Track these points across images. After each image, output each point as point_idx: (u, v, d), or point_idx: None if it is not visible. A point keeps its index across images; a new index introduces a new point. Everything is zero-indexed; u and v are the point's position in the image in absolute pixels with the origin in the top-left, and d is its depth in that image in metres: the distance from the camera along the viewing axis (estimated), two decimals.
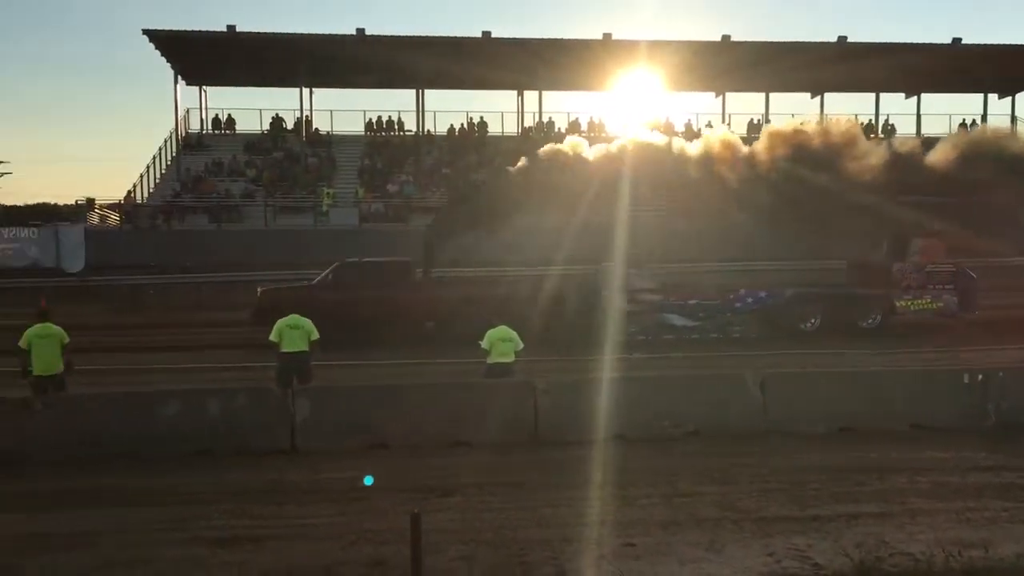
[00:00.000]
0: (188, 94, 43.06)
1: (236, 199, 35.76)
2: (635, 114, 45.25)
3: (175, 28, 36.19)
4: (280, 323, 12.75)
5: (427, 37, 37.14)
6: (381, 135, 41.56)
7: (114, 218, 36.67)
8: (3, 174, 59.85)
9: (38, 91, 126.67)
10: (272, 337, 12.71)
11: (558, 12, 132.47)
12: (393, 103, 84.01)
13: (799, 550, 7.22)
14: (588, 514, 8.15)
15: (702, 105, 46.83)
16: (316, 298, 19.37)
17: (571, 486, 9.03)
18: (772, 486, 9.02)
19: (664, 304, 20.15)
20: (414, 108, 41.31)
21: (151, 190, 37.66)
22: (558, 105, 49.48)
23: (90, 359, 17.32)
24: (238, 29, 36.21)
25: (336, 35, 36.95)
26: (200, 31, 36.43)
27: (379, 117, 41.98)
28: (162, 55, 38.05)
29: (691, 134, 34.92)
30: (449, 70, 38.01)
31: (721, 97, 43.64)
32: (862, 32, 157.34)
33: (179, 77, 39.68)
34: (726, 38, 38.53)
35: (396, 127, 42.03)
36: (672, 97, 46.87)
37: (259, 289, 20.94)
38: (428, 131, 41.38)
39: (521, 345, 12.69)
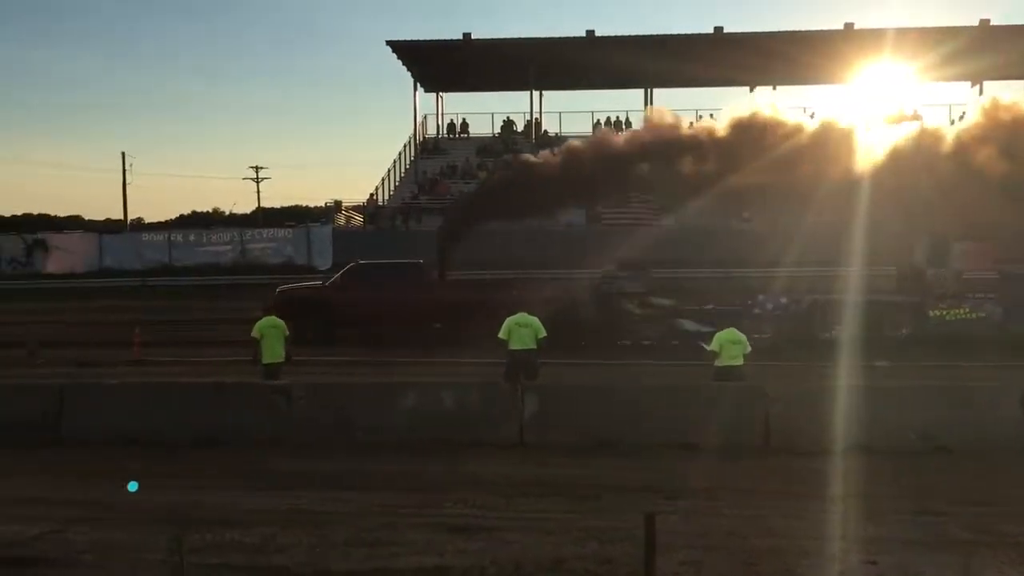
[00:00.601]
0: (426, 101, 45.20)
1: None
2: (877, 106, 42.68)
3: (415, 38, 38.08)
4: (509, 321, 13.07)
5: (657, 36, 36.93)
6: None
7: (358, 219, 39.13)
8: (263, 179, 65.62)
9: (293, 102, 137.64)
10: (501, 335, 13.05)
11: (789, 4, 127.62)
12: (622, 103, 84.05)
13: None
14: (824, 527, 7.76)
15: (955, 96, 43.38)
16: (327, 298, 20.59)
17: (805, 496, 8.64)
18: None
19: (679, 309, 19.51)
20: (642, 107, 41.16)
21: (391, 192, 39.85)
22: (792, 100, 47.69)
23: (341, 351, 18.67)
24: (473, 36, 37.53)
25: (566, 38, 37.50)
26: (437, 40, 38.14)
27: (607, 117, 42.16)
28: (403, 64, 40.15)
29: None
30: (679, 68, 37.59)
31: (978, 86, 40.29)
32: None
33: (418, 85, 41.73)
34: (984, 23, 35.54)
35: (624, 127, 42.03)
36: (922, 88, 43.75)
37: (277, 288, 21.77)
38: None
39: (749, 348, 12.31)
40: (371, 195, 40.10)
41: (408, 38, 37.91)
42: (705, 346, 12.68)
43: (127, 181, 57.79)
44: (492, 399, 11.42)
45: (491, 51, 37.77)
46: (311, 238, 36.99)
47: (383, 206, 38.82)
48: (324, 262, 35.07)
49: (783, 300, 19.40)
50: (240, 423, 11.32)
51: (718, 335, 12.32)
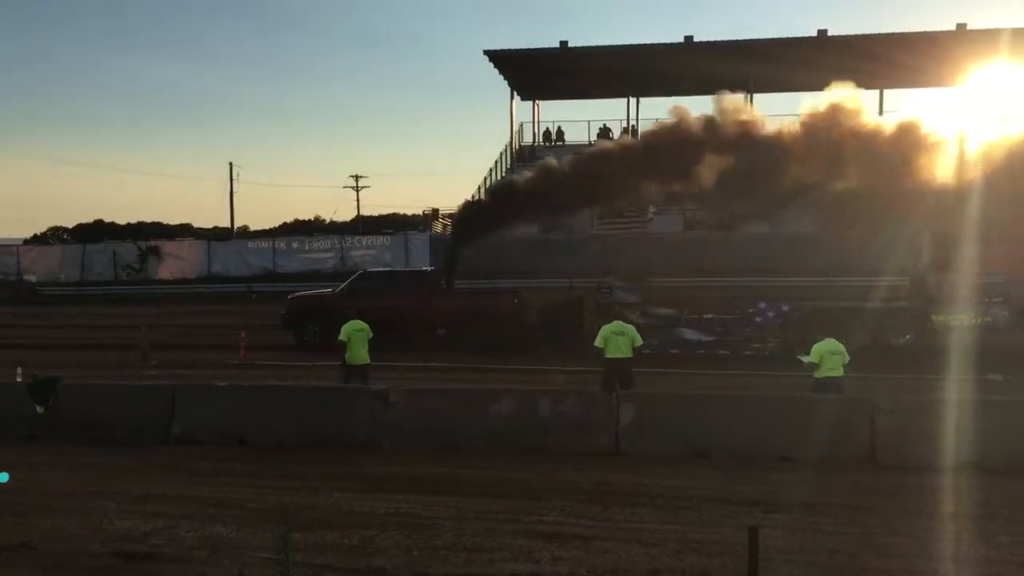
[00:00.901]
0: (522, 108, 45.43)
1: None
2: (992, 109, 40.90)
3: (512, 47, 38.34)
4: (605, 329, 13.07)
5: (756, 40, 36.27)
6: None
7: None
8: (362, 188, 67.04)
9: (392, 112, 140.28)
10: (597, 343, 13.06)
11: (896, 5, 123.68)
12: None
13: None
14: (936, 547, 7.48)
15: None
16: (334, 306, 21.12)
17: (915, 514, 8.34)
18: None
19: (679, 318, 19.64)
20: None
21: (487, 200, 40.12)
22: (902, 103, 46.26)
23: (433, 355, 18.93)
24: (570, 45, 37.56)
25: (664, 44, 37.18)
26: (534, 49, 38.29)
27: None
28: (500, 73, 40.47)
29: None
30: (780, 73, 36.80)
31: None
32: None
33: (514, 93, 41.99)
34: None
35: None
36: None
37: (290, 295, 22.84)
38: None
39: (848, 358, 11.94)
40: (467, 202, 40.49)
41: (504, 47, 38.25)
42: (803, 359, 12.35)
43: (233, 190, 59.85)
44: (588, 407, 11.38)
45: (588, 59, 37.74)
46: (409, 245, 37.64)
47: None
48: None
49: (785, 308, 19.35)
50: (340, 426, 11.59)
51: (817, 346, 11.96)
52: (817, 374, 11.90)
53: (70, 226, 73.51)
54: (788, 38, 36.17)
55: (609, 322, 13.32)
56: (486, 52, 38.26)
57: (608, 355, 12.91)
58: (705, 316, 19.69)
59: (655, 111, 50.66)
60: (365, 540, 7.79)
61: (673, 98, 46.91)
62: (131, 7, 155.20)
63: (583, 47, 37.47)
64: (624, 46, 37.21)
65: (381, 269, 28.20)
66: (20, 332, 25.89)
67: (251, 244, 41.68)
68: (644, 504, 8.78)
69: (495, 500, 9.02)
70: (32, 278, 40.55)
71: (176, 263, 40.05)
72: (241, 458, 11.03)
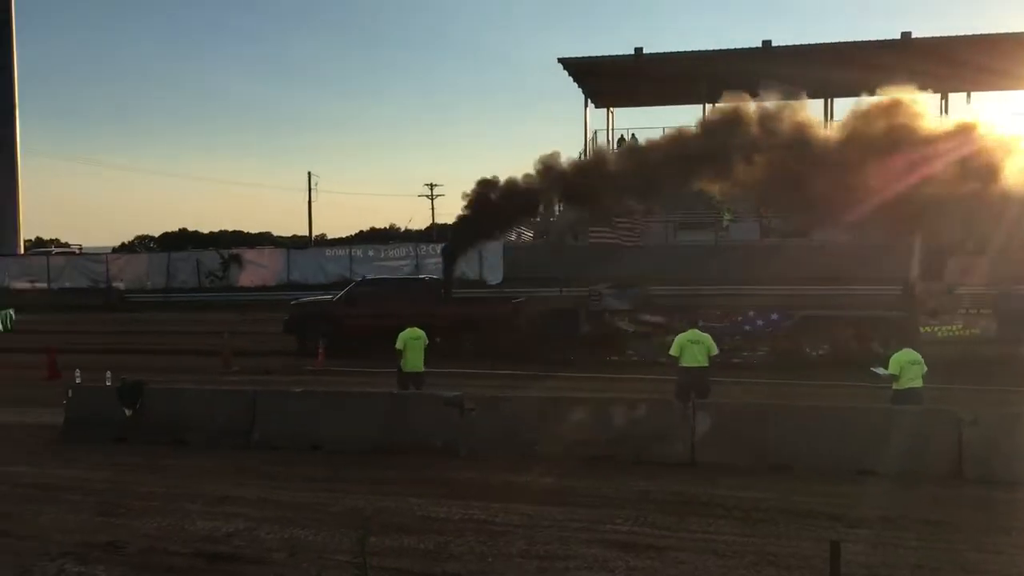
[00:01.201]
0: (596, 116, 45.29)
1: (639, 216, 36.79)
2: None
3: (586, 55, 38.24)
4: (681, 338, 12.95)
5: (837, 44, 35.53)
6: None
7: (528, 234, 39.63)
8: (437, 196, 67.70)
9: (466, 120, 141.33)
10: (672, 351, 12.94)
11: (981, 5, 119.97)
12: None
13: None
14: None
15: None
16: (332, 313, 22.15)
17: (1004, 531, 8.08)
18: None
19: (669, 326, 19.37)
20: (822, 119, 39.64)
21: (562, 207, 40.10)
22: (990, 107, 44.62)
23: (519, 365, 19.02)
24: (645, 51, 37.33)
25: (740, 49, 36.68)
26: (608, 56, 38.13)
27: None
28: (574, 80, 40.42)
29: None
30: (861, 77, 35.93)
31: None
32: None
33: (588, 100, 41.88)
34: None
35: None
36: None
37: (292, 302, 23.60)
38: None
39: (926, 368, 11.56)
40: (542, 211, 40.53)
41: (578, 54, 38.16)
42: (879, 371, 12.03)
43: (312, 199, 61.02)
44: (662, 416, 11.28)
45: (663, 65, 37.39)
46: (483, 253, 37.75)
47: (554, 221, 39.12)
48: (495, 277, 35.69)
49: (774, 316, 19.47)
50: (415, 432, 11.70)
51: (896, 357, 11.60)
52: (896, 385, 11.56)
53: (156, 235, 75.94)
54: (869, 41, 35.30)
55: (685, 330, 13.18)
56: (560, 60, 38.24)
57: (683, 364, 12.77)
58: (697, 323, 19.60)
59: None
60: (440, 545, 7.86)
61: (751, 104, 46.36)
62: (214, 24, 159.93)
63: (658, 53, 37.17)
64: (699, 52, 36.80)
65: (380, 277, 29.23)
66: (109, 338, 26.77)
67: (329, 252, 42.31)
68: (720, 515, 8.67)
69: (569, 508, 9.00)
70: (120, 285, 41.90)
71: (257, 271, 40.90)
72: (318, 463, 11.23)
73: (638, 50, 37.44)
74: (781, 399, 13.69)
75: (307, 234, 63.31)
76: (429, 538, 8.04)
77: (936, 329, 17.95)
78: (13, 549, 8.01)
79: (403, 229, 72.91)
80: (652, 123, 46.29)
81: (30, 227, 62.83)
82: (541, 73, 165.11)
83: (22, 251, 54.59)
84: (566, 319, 20.86)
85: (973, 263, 18.25)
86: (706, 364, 12.75)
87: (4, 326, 22.54)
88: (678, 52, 36.96)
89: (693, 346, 12.79)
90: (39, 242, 70.61)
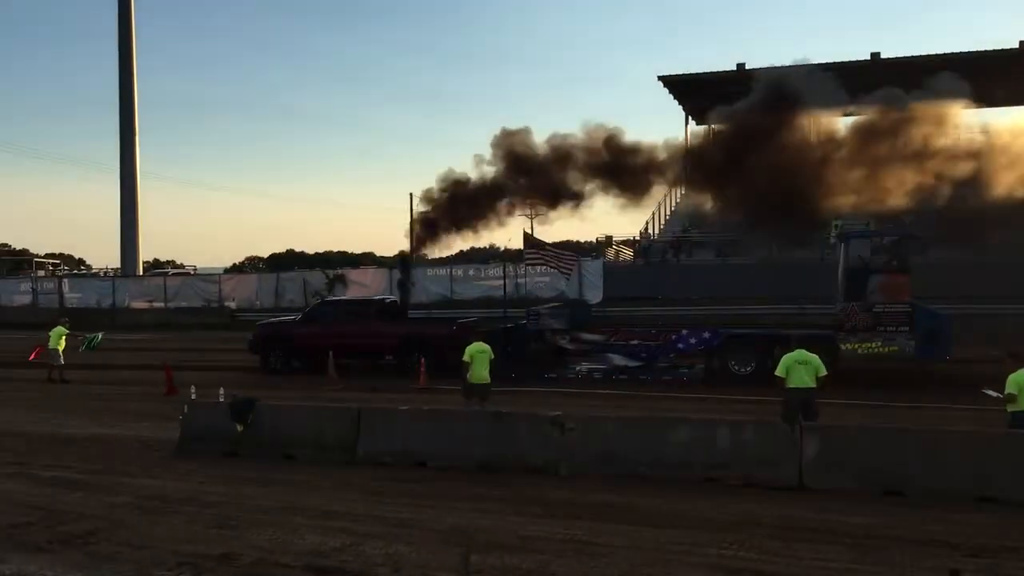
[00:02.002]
0: (697, 133, 44.78)
1: (740, 234, 36.19)
2: None
3: (686, 72, 38.00)
4: (787, 358, 12.59)
5: (948, 55, 34.36)
6: None
7: (628, 253, 39.43)
8: (536, 215, 67.91)
9: None
10: (778, 372, 12.60)
11: None
12: None
13: None
14: None
15: None
16: (294, 332, 23.35)
17: None
18: None
19: (607, 344, 20.92)
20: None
21: (661, 226, 39.81)
22: None
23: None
24: (747, 67, 36.81)
25: (847, 62, 35.83)
26: (710, 72, 37.78)
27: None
28: (674, 98, 40.18)
29: None
30: (973, 88, 34.66)
31: None
32: None
33: (689, 118, 41.55)
34: None
35: None
36: None
37: (257, 323, 24.56)
38: None
39: None
40: (642, 230, 40.33)
41: (680, 72, 37.95)
42: (990, 393, 11.46)
43: (413, 220, 61.97)
44: (769, 439, 11.00)
45: (764, 79, 36.79)
46: (582, 272, 37.73)
47: (654, 240, 38.88)
48: (595, 296, 35.62)
49: (705, 334, 20.12)
50: (516, 451, 11.73)
51: (1013, 377, 10.97)
52: (1011, 407, 10.96)
53: (264, 256, 78.49)
54: (982, 52, 34.00)
55: (792, 351, 12.83)
56: (660, 78, 38.12)
57: (790, 385, 12.43)
58: (631, 342, 20.81)
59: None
60: (541, 564, 7.83)
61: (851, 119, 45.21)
62: (313, 46, 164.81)
63: (760, 68, 36.57)
64: (803, 65, 36.06)
65: (339, 298, 31.37)
66: (222, 355, 27.78)
67: (430, 272, 43.03)
68: (830, 542, 8.39)
69: (671, 530, 8.86)
70: (232, 304, 43.49)
71: (361, 290, 41.85)
72: (421, 479, 11.36)
73: (740, 66, 36.98)
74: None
75: (409, 254, 64.24)
76: (530, 557, 8.03)
77: (856, 346, 18.66)
78: (132, 559, 8.34)
79: (503, 248, 73.34)
80: None
81: (148, 249, 65.74)
82: (642, 91, 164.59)
83: (141, 272, 57.18)
84: (512, 338, 21.57)
85: (894, 281, 18.77)
86: (813, 385, 12.38)
87: (89, 346, 23.87)
88: (781, 67, 36.28)
89: (800, 367, 12.42)
90: (156, 263, 73.85)
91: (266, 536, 8.96)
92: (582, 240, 66.73)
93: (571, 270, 24.85)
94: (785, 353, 12.70)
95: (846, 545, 8.27)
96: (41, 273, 57.82)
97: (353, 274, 44.26)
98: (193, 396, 14.51)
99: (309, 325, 23.50)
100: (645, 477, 10.90)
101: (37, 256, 68.87)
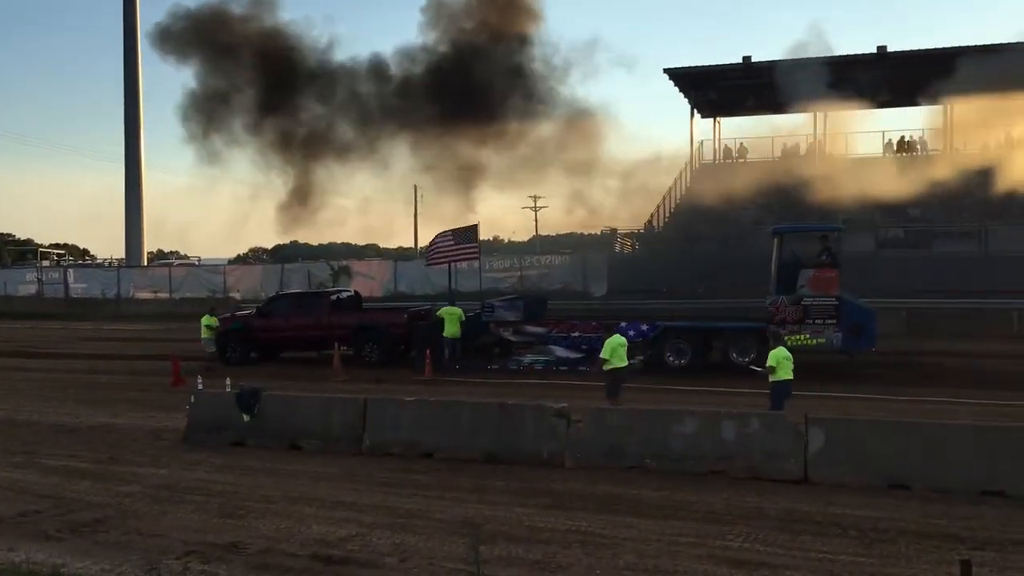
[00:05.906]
0: (703, 126, 44.78)
1: (746, 226, 36.13)
2: None
3: (692, 65, 37.85)
4: (776, 352, 12.82)
5: (955, 48, 34.19)
6: (902, 155, 39.02)
7: (630, 245, 39.36)
8: (540, 207, 67.94)
9: None
10: (770, 363, 12.75)
11: None
12: (916, 122, 78.73)
13: None
14: None
15: None
16: (250, 325, 23.78)
17: None
18: None
19: (549, 336, 21.44)
20: (942, 125, 38.22)
21: (666, 219, 39.74)
22: None
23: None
24: (753, 60, 36.73)
25: (853, 55, 35.69)
26: (716, 66, 37.64)
27: (901, 137, 39.58)
28: (680, 91, 40.06)
29: None
30: (983, 80, 34.51)
31: None
32: None
33: (695, 111, 41.45)
34: None
35: (918, 147, 39.19)
36: None
37: (225, 315, 24.89)
38: (957, 150, 37.86)
39: None
40: (647, 221, 40.20)
41: (687, 65, 37.79)
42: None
43: (418, 211, 62.10)
44: (774, 431, 11.01)
45: (773, 74, 36.69)
46: (586, 264, 37.69)
47: (659, 232, 38.79)
48: (599, 288, 35.55)
49: (644, 327, 20.34)
50: (523, 442, 11.75)
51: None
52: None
53: (268, 247, 78.52)
54: (985, 45, 33.79)
55: (775, 347, 13.06)
56: (666, 70, 38.00)
57: (780, 377, 12.63)
58: (572, 334, 21.30)
59: (845, 124, 48.50)
60: (548, 556, 7.88)
61: (866, 111, 45.16)
62: None
63: (767, 61, 36.48)
64: (811, 59, 35.97)
65: (292, 292, 31.45)
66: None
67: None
68: (835, 534, 8.42)
69: (677, 522, 8.91)
70: (237, 295, 43.50)
71: (365, 282, 41.80)
72: (427, 470, 11.40)
73: (746, 59, 36.86)
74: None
75: (413, 245, 64.37)
76: (537, 548, 8.08)
77: (787, 339, 18.54)
78: (142, 547, 8.41)
79: (507, 240, 73.42)
80: (761, 132, 44.78)
81: (152, 239, 65.73)
82: (647, 83, 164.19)
83: (145, 263, 57.27)
84: (465, 329, 21.66)
85: (824, 275, 19.14)
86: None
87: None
88: (786, 60, 36.19)
89: (787, 362, 12.69)
90: (160, 254, 73.96)
91: (273, 525, 9.02)
92: (587, 232, 66.72)
93: (475, 256, 24.61)
94: (771, 350, 12.95)
95: (851, 538, 8.30)
96: (46, 263, 57.86)
97: (358, 265, 44.24)
98: (200, 387, 14.56)
99: (264, 318, 23.93)
100: (651, 469, 10.93)
101: (42, 246, 68.97)
